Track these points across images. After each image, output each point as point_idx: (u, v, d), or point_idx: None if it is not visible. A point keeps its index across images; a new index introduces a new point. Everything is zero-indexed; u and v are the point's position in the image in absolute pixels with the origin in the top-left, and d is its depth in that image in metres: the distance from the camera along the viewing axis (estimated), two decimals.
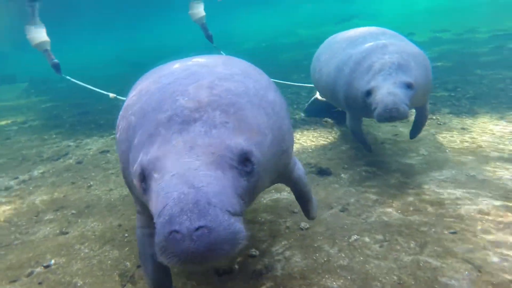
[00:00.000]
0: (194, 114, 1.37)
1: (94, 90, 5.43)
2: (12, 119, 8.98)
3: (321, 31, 25.05)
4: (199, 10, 6.03)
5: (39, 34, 4.99)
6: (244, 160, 1.33)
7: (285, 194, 3.52)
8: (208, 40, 6.28)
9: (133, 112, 1.59)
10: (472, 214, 2.74)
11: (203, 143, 1.28)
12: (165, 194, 1.16)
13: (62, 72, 5.15)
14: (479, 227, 2.55)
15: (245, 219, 2.95)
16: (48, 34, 5.04)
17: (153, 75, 1.85)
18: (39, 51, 5.09)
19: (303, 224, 2.88)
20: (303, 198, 2.41)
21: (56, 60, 5.08)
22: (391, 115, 2.76)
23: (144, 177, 1.31)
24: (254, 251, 2.60)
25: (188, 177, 1.18)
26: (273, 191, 3.60)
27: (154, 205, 1.21)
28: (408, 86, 2.90)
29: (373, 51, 3.18)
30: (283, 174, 2.02)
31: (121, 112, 1.80)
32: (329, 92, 3.84)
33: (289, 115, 2.14)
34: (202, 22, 6.11)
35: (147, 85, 1.72)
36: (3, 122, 8.72)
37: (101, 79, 15.11)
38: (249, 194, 1.39)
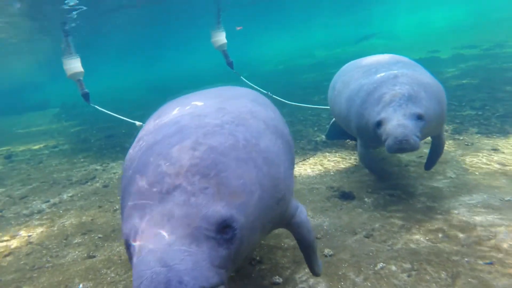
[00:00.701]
0: (174, 181, 1.39)
1: (122, 119, 5.69)
2: (44, 143, 9.46)
3: (337, 52, 25.26)
4: (221, 38, 6.31)
5: (74, 65, 5.32)
6: (222, 228, 1.33)
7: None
8: (229, 67, 6.52)
9: (125, 176, 1.68)
10: (509, 243, 2.59)
11: (180, 215, 1.29)
12: (140, 271, 1.20)
13: (90, 101, 5.48)
14: None
15: (269, 245, 2.92)
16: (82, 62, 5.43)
17: (152, 123, 1.94)
18: (73, 80, 5.44)
19: (327, 251, 2.82)
20: (306, 247, 2.23)
21: (86, 90, 5.42)
22: (401, 147, 2.75)
23: (128, 245, 1.35)
24: (277, 278, 2.56)
25: (162, 254, 1.20)
26: None
27: (133, 278, 1.25)
28: (419, 117, 2.88)
29: (384, 82, 3.18)
30: (281, 222, 1.96)
31: (124, 164, 1.87)
32: (343, 120, 3.87)
33: (291, 154, 2.14)
34: (224, 49, 6.38)
35: (142, 139, 1.79)
36: (36, 146, 9.20)
37: (127, 102, 15.76)
38: (231, 261, 1.37)
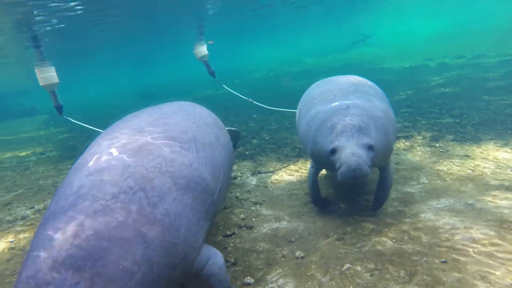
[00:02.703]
0: (47, 277, 1.43)
1: (93, 129, 5.71)
2: (32, 150, 9.46)
3: (327, 59, 25.67)
4: (202, 50, 6.62)
5: (49, 74, 5.13)
6: None
7: (284, 223, 3.61)
8: (211, 76, 6.78)
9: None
10: (465, 243, 2.76)
11: None
12: None
13: (63, 113, 5.41)
14: (469, 257, 2.57)
15: (244, 248, 3.03)
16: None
17: (68, 179, 2.00)
18: (46, 90, 5.24)
19: (298, 253, 2.95)
20: None
21: (60, 102, 5.33)
22: (354, 175, 2.82)
23: None
24: (249, 279, 2.68)
25: None
26: (273, 220, 3.69)
27: None
28: (370, 147, 3.00)
29: (336, 112, 3.30)
30: (186, 276, 1.99)
31: None
32: (302, 142, 3.97)
33: (208, 198, 2.16)
34: (205, 59, 6.67)
35: (54, 198, 1.89)
36: (24, 153, 9.19)
37: (122, 108, 15.79)
38: None
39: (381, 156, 3.19)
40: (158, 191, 1.87)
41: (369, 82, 4.11)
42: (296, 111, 4.53)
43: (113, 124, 2.88)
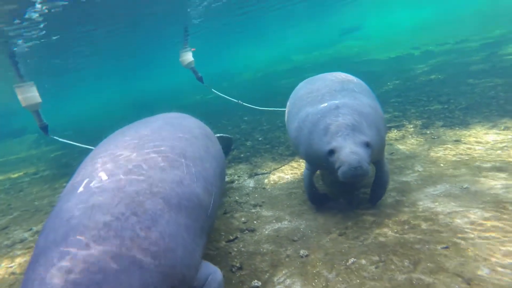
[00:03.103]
0: None
1: (81, 146, 5.62)
2: (24, 171, 9.33)
3: (314, 55, 25.81)
4: (187, 57, 6.64)
5: (30, 94, 4.88)
6: None
7: (285, 223, 3.63)
8: (199, 82, 6.81)
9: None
10: (463, 227, 2.82)
11: None
12: None
13: (49, 133, 5.24)
14: (469, 240, 2.62)
15: (248, 251, 3.04)
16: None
17: (58, 207, 1.95)
18: (29, 111, 5.02)
19: (302, 252, 2.97)
20: None
21: (45, 122, 5.15)
22: (357, 173, 2.81)
23: None
24: (256, 282, 2.69)
25: None
26: (274, 221, 3.71)
27: None
28: (367, 145, 3.03)
29: (327, 113, 3.32)
30: None
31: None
32: (293, 144, 3.96)
33: (203, 214, 2.15)
34: (192, 66, 6.71)
35: (44, 231, 1.84)
36: (16, 175, 9.06)
37: (109, 120, 15.65)
38: None
39: (376, 152, 3.23)
40: (151, 214, 1.85)
41: (354, 79, 4.14)
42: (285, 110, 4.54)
43: (101, 142, 2.86)
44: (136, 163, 2.14)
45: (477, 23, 19.48)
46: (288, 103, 4.46)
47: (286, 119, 4.40)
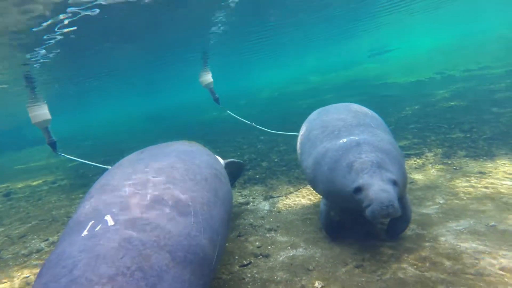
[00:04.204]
0: None
1: (93, 165, 5.76)
2: (43, 179, 9.57)
3: (331, 76, 25.92)
4: (207, 78, 6.84)
5: (41, 112, 5.13)
6: None
7: (300, 250, 3.55)
8: (215, 103, 6.95)
9: None
10: (493, 270, 2.67)
11: None
12: None
13: (57, 150, 5.42)
14: (499, 286, 2.48)
15: (262, 278, 2.97)
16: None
17: (62, 244, 1.93)
18: (39, 128, 5.26)
19: (317, 283, 2.88)
20: None
21: (54, 139, 5.34)
22: (388, 212, 2.70)
23: None
24: None
25: None
26: (289, 247, 3.64)
27: None
28: (394, 183, 2.93)
29: (349, 150, 3.24)
30: None
31: None
32: (309, 180, 3.84)
33: (207, 268, 2.08)
34: (210, 87, 6.89)
35: (43, 275, 1.76)
36: (35, 182, 9.30)
37: (129, 132, 16.00)
38: None
39: (401, 189, 3.14)
40: (157, 269, 1.78)
41: (369, 112, 4.09)
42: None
43: (112, 168, 2.86)
44: (144, 208, 2.10)
45: (500, 49, 19.19)
46: (300, 135, 4.35)
47: (299, 152, 4.28)
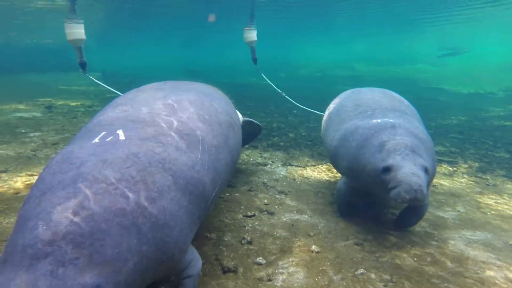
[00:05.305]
0: (47, 248, 1.41)
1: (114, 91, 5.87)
2: (81, 102, 10.09)
3: (379, 69, 24.70)
4: (252, 35, 6.69)
5: (77, 30, 5.14)
6: None
7: (305, 217, 3.57)
8: (253, 62, 6.82)
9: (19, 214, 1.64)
10: (497, 281, 2.57)
11: (44, 286, 1.32)
12: None
13: (87, 71, 5.50)
14: None
15: (262, 231, 3.04)
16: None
17: (67, 150, 1.94)
18: (72, 46, 5.31)
19: (314, 247, 2.91)
20: None
21: (84, 60, 5.40)
22: (416, 196, 2.59)
23: None
24: (261, 259, 2.69)
25: None
26: (295, 211, 3.67)
27: None
28: (426, 170, 2.79)
29: (382, 130, 3.11)
30: (167, 275, 1.99)
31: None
32: (332, 155, 3.74)
33: (203, 202, 2.10)
34: (252, 45, 6.76)
35: (45, 174, 1.78)
36: (74, 103, 9.83)
37: (163, 79, 16.33)
38: None
39: (429, 181, 2.97)
40: (159, 187, 1.83)
41: (405, 101, 3.91)
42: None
43: (133, 90, 2.89)
44: (155, 133, 2.12)
45: None
46: (328, 111, 4.23)
47: (324, 126, 4.18)
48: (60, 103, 9.81)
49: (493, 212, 3.96)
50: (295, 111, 9.53)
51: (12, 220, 3.09)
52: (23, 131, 6.46)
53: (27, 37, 24.78)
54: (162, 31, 24.09)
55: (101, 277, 1.44)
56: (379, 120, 3.32)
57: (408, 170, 2.72)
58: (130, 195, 1.69)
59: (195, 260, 2.16)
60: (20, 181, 4.03)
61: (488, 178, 5.10)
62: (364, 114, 3.53)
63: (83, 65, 5.40)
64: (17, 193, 3.70)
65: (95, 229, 1.50)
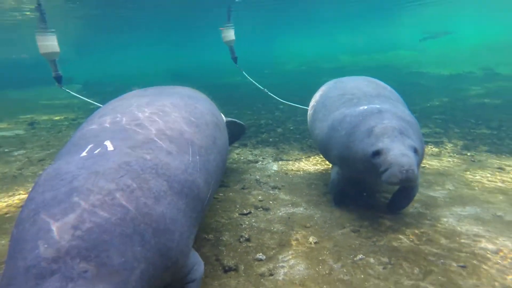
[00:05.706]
0: (52, 266, 1.38)
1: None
2: (65, 115, 9.91)
3: (363, 58, 24.98)
4: (229, 34, 6.68)
5: (51, 43, 4.93)
6: None
7: (301, 209, 3.61)
8: (233, 61, 6.81)
9: (12, 238, 1.60)
10: (488, 252, 2.66)
11: None
12: None
13: (62, 84, 5.30)
14: (492, 266, 2.48)
15: (259, 227, 3.06)
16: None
17: (53, 167, 1.87)
18: (46, 59, 5.08)
19: (311, 238, 2.95)
20: None
21: (60, 73, 5.20)
22: (408, 176, 2.60)
23: None
24: (261, 255, 2.72)
25: None
26: (290, 205, 3.70)
27: None
28: (415, 150, 2.84)
29: (369, 116, 3.16)
30: (172, 280, 1.98)
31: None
32: (322, 146, 3.78)
33: (199, 204, 2.11)
34: (231, 44, 6.74)
35: (33, 196, 1.71)
36: (57, 117, 9.65)
37: (148, 84, 16.15)
38: None
39: (419, 161, 3.03)
40: (155, 192, 1.82)
41: (388, 87, 3.98)
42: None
43: (115, 99, 2.85)
44: (144, 140, 2.09)
45: None
46: (313, 102, 4.25)
47: (310, 119, 4.19)
48: (43, 118, 9.62)
49: (479, 187, 4.08)
50: (281, 107, 9.57)
51: (3, 242, 3.03)
52: (6, 150, 6.33)
53: (1, 52, 24.20)
54: (147, 35, 23.80)
55: (111, 287, 1.43)
56: (365, 107, 3.37)
57: (398, 152, 2.76)
58: (128, 203, 1.67)
59: (198, 264, 2.16)
60: (7, 202, 3.95)
61: (473, 154, 5.24)
62: (350, 103, 3.57)
63: (58, 79, 5.19)
64: (6, 213, 3.64)
65: (98, 241, 1.49)
